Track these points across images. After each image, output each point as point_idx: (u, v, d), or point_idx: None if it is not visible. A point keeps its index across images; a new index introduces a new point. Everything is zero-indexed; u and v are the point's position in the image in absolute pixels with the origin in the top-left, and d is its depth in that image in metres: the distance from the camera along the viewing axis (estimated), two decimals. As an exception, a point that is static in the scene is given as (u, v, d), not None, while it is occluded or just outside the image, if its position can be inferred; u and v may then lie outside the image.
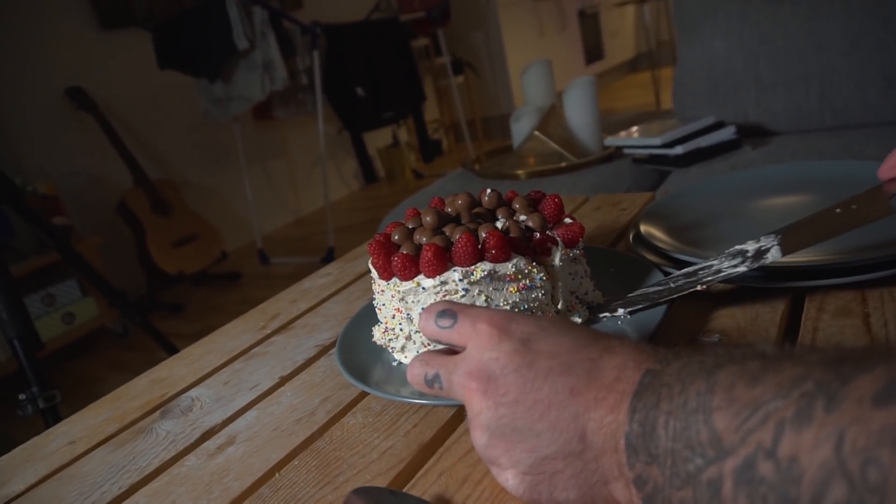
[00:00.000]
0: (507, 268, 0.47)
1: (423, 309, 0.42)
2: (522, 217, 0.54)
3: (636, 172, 1.44)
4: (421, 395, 0.46)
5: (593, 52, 6.27)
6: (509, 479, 0.33)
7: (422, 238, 0.51)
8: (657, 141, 1.37)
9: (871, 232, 0.56)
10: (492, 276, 0.47)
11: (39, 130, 2.67)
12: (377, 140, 4.14)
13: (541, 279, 0.48)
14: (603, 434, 0.30)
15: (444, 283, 0.47)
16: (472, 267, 0.47)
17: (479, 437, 0.33)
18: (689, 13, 1.70)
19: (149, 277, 2.81)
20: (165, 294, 2.89)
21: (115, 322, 2.53)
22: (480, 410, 0.33)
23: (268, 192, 3.66)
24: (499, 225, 0.54)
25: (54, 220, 2.36)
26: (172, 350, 1.62)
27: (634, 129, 1.51)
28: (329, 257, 2.79)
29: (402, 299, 0.49)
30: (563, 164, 1.48)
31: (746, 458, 0.23)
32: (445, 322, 0.37)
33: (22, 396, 1.23)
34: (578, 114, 1.55)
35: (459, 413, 0.46)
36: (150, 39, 2.74)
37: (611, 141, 1.50)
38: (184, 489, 0.44)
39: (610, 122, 1.86)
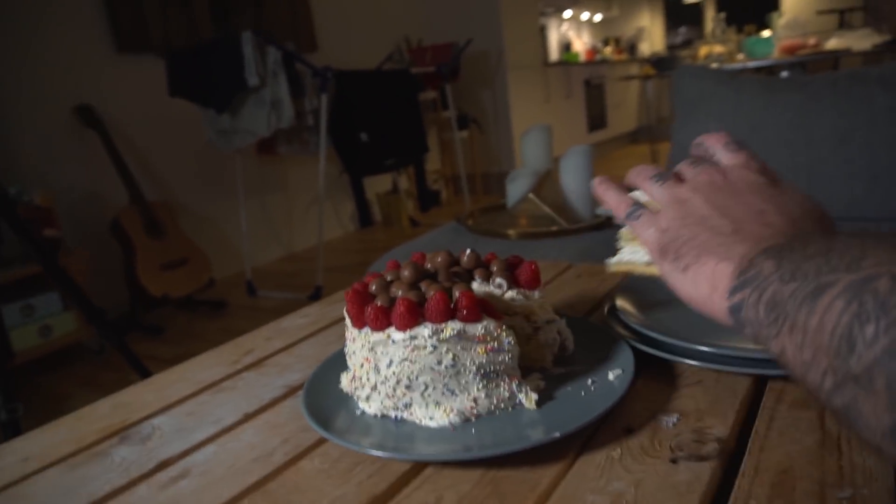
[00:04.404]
0: (477, 329, 0.48)
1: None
2: (498, 280, 0.55)
3: (624, 243, 1.46)
4: (379, 447, 0.46)
5: (597, 120, 6.44)
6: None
7: (397, 291, 0.52)
8: (646, 215, 1.40)
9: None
10: (461, 336, 0.48)
11: (43, 142, 2.70)
12: (377, 185, 4.20)
13: (509, 343, 0.49)
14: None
15: (413, 337, 0.48)
16: (443, 324, 0.48)
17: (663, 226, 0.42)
18: (686, 95, 1.76)
19: (133, 297, 2.79)
20: (148, 316, 2.87)
21: (92, 339, 2.50)
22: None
23: (263, 224, 3.69)
24: (475, 286, 0.56)
25: (45, 232, 2.36)
26: (145, 373, 1.61)
27: (625, 200, 1.54)
28: (316, 295, 2.78)
29: (371, 349, 0.50)
30: (554, 229, 1.51)
31: (868, 276, 0.27)
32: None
33: (-15, 406, 1.21)
34: (573, 180, 1.59)
35: (415, 468, 0.46)
36: (164, 66, 2.80)
37: (602, 210, 1.53)
38: (131, 519, 0.44)
39: (603, 192, 1.90)
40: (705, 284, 0.38)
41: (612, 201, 0.48)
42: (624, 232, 0.58)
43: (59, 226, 2.49)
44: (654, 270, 0.54)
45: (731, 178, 0.41)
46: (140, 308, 2.83)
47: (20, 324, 2.30)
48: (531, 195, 1.58)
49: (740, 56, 4.70)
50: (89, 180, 2.84)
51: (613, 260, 0.57)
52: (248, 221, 3.27)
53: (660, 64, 5.21)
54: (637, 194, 0.48)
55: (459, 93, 4.64)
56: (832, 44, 4.26)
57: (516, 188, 1.63)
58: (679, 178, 0.44)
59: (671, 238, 0.41)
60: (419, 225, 4.12)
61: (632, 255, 0.56)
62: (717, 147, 0.44)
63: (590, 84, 6.35)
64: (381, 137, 2.96)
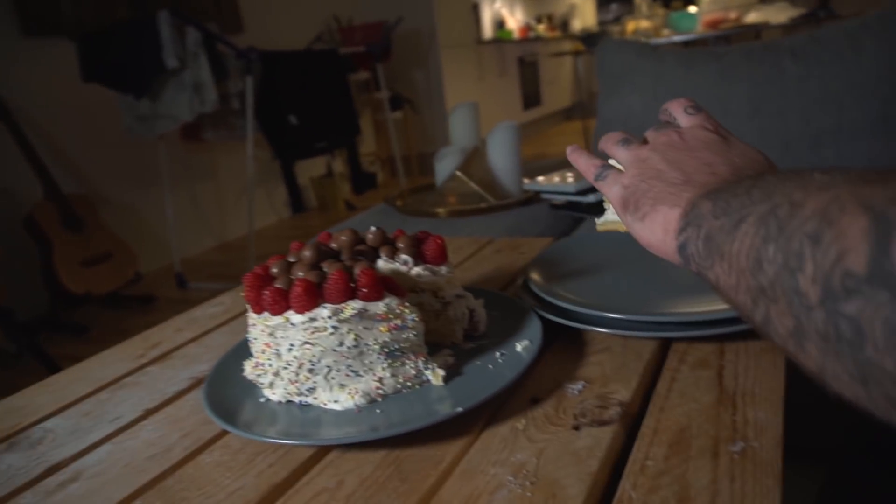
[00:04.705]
0: (379, 307, 0.47)
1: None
2: (403, 256, 0.54)
3: (552, 218, 1.47)
4: (282, 434, 0.45)
5: (531, 98, 6.48)
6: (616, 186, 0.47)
7: (298, 273, 0.50)
8: (571, 188, 1.42)
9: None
10: (362, 315, 0.47)
11: (-56, 135, 2.52)
12: (311, 169, 4.11)
13: (412, 319, 0.48)
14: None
15: (312, 319, 0.46)
16: (343, 305, 0.47)
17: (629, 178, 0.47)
18: (610, 69, 1.78)
19: (52, 296, 2.65)
20: (71, 315, 2.74)
21: (9, 342, 2.37)
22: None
23: (192, 214, 3.56)
24: (380, 264, 0.54)
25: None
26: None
27: (552, 175, 1.56)
28: (250, 285, 2.71)
29: (271, 334, 0.48)
30: (483, 206, 1.51)
31: (773, 204, 0.31)
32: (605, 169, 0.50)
33: None
34: (500, 157, 1.59)
35: (318, 453, 0.45)
36: (75, 50, 2.65)
37: (529, 185, 1.54)
38: (10, 530, 0.41)
39: (536, 167, 1.91)
40: (659, 229, 0.42)
41: (582, 165, 0.52)
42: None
43: (-34, 224, 2.34)
44: None
45: (686, 138, 0.46)
46: (61, 307, 2.69)
47: (-72, 330, 2.15)
48: (459, 173, 1.57)
49: (666, 31, 4.80)
50: (-2, 174, 2.67)
51: (600, 220, 0.65)
52: (176, 211, 3.14)
53: (589, 40, 5.27)
54: (612, 162, 0.53)
55: (392, 73, 4.58)
56: (751, 17, 4.41)
57: (444, 166, 1.62)
58: (644, 142, 0.49)
59: (632, 192, 0.45)
60: (355, 209, 4.06)
61: (614, 215, 0.67)
62: (677, 111, 0.49)
63: (524, 62, 6.38)
64: (310, 120, 2.89)
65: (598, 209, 1.43)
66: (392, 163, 4.69)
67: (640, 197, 0.44)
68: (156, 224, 3.31)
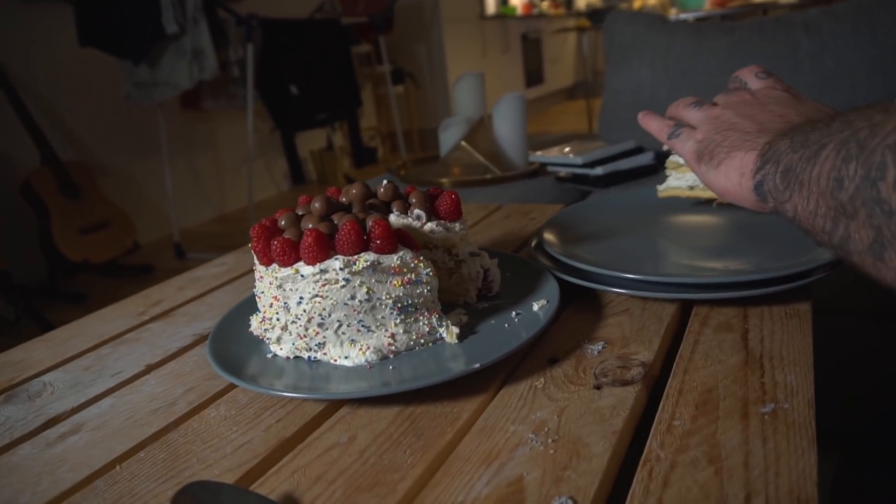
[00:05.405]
0: (392, 260, 0.45)
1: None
2: (417, 211, 0.52)
3: (558, 190, 1.45)
4: (289, 388, 0.43)
5: (534, 75, 6.41)
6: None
7: (307, 224, 0.48)
8: (579, 160, 1.39)
9: (760, 250, 0.57)
10: (375, 267, 0.45)
11: (-61, 98, 2.47)
12: (311, 142, 4.06)
13: (427, 274, 0.47)
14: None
15: (323, 271, 0.44)
16: (355, 256, 0.45)
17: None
18: (618, 40, 1.75)
19: (50, 264, 2.63)
20: (69, 283, 2.72)
21: (6, 308, 2.35)
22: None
23: (191, 184, 3.52)
24: (392, 219, 0.52)
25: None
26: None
27: (559, 147, 1.53)
28: (249, 256, 2.69)
29: (279, 286, 0.46)
30: (488, 177, 1.48)
31: (854, 129, 0.33)
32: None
33: None
34: (506, 128, 1.56)
35: (328, 409, 0.43)
36: (72, 14, 2.59)
37: (535, 157, 1.52)
38: (8, 480, 0.39)
39: (540, 141, 1.89)
40: (735, 173, 0.44)
41: (654, 126, 0.54)
42: (670, 161, 0.69)
43: (-38, 188, 2.31)
44: (695, 194, 0.68)
45: (758, 96, 0.47)
46: (59, 275, 2.67)
47: (-76, 294, 2.13)
48: (464, 143, 1.54)
49: (673, 10, 4.73)
50: (-6, 139, 2.63)
51: (661, 186, 0.66)
52: (175, 181, 3.11)
53: (595, 16, 5.19)
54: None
55: (394, 47, 4.51)
56: (760, -4, 4.34)
57: (449, 136, 1.59)
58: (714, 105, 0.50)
59: (706, 144, 0.47)
60: (355, 182, 4.02)
61: (677, 181, 0.68)
62: (748, 76, 0.51)
63: (527, 38, 6.29)
64: (311, 90, 2.85)
65: (604, 182, 1.41)
66: (393, 138, 4.64)
67: (715, 147, 0.46)
68: (154, 193, 3.27)
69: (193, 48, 2.48)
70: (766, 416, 0.37)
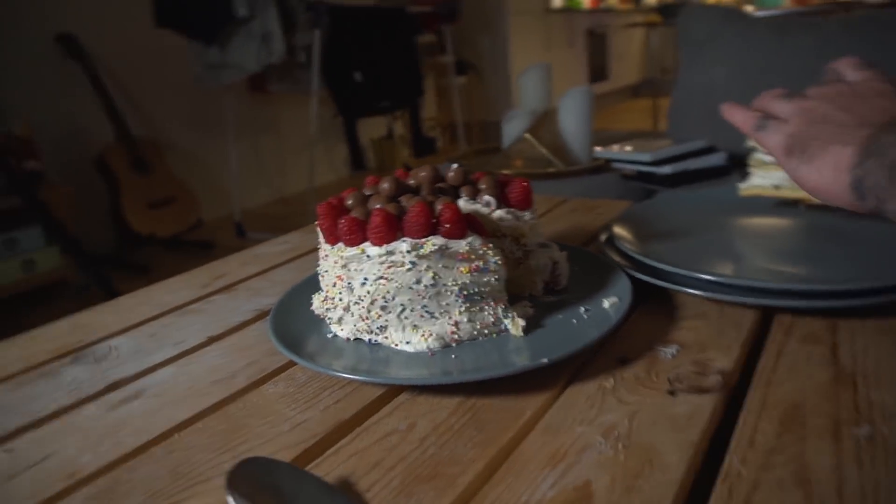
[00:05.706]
0: (461, 245, 0.44)
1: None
2: (486, 197, 0.50)
3: (622, 188, 1.41)
4: (349, 370, 0.42)
5: (598, 72, 6.28)
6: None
7: (375, 205, 0.47)
8: (647, 157, 1.35)
9: (850, 257, 0.53)
10: (442, 252, 0.43)
11: (23, 71, 2.59)
12: (372, 130, 4.09)
13: (495, 262, 0.45)
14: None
15: (390, 252, 0.43)
16: (423, 240, 0.43)
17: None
18: (693, 36, 1.68)
19: (118, 236, 2.73)
20: (134, 255, 2.82)
21: (77, 276, 2.45)
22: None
23: (254, 166, 3.60)
24: (460, 203, 0.51)
25: (26, 164, 2.28)
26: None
27: (626, 144, 1.49)
28: (306, 239, 2.73)
29: (344, 266, 0.45)
30: (551, 170, 1.45)
31: None
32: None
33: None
34: (572, 122, 1.52)
35: (388, 393, 0.42)
36: (151, -6, 2.67)
37: (601, 153, 1.48)
38: (72, 439, 0.40)
39: (604, 136, 1.84)
40: (829, 169, 0.41)
41: (739, 117, 0.50)
42: (754, 158, 0.66)
43: (42, 158, 2.41)
44: (780, 193, 0.64)
45: (856, 88, 0.44)
46: (126, 247, 2.78)
47: (3, 258, 2.24)
48: (528, 135, 1.51)
49: (749, 8, 4.55)
50: (72, 113, 2.74)
51: (744, 185, 0.67)
52: (239, 162, 3.18)
53: (666, 11, 5.04)
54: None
55: (458, 38, 4.49)
56: (845, -4, 4.12)
57: (512, 128, 1.57)
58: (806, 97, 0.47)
59: (797, 138, 0.43)
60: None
61: (761, 179, 0.65)
62: (845, 69, 0.47)
63: (593, 33, 6.16)
64: (375, 78, 2.86)
65: (672, 181, 1.36)
66: (453, 129, 4.63)
67: (809, 141, 0.43)
68: (218, 173, 3.36)
69: (262, 32, 2.52)
70: (863, 440, 0.34)
